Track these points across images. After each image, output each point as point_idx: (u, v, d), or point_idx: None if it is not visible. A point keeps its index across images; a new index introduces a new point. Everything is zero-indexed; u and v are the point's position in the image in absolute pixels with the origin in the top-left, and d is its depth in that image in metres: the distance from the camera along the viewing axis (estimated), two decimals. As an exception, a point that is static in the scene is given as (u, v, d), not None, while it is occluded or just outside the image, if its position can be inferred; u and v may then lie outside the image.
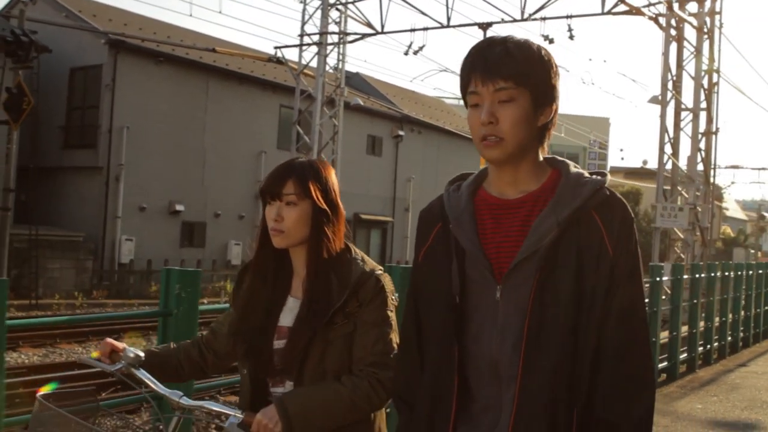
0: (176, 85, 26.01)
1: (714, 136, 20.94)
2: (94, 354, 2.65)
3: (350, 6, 25.80)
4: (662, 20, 20.51)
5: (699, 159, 20.50)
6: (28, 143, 21.66)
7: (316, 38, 25.71)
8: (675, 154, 20.68)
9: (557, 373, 1.91)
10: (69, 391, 2.49)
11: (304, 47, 25.94)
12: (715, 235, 21.78)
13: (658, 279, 10.59)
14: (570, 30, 21.97)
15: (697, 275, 12.66)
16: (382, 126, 34.69)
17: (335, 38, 26.01)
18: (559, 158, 2.12)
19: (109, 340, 2.63)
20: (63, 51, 24.14)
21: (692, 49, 20.54)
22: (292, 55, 25.96)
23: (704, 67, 20.59)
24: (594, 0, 21.81)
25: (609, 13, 21.33)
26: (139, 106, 24.88)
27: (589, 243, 1.95)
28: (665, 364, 11.22)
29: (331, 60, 26.22)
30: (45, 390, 2.46)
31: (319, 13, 25.71)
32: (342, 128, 26.70)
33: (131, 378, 2.57)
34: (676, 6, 20.30)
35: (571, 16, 21.96)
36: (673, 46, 20.62)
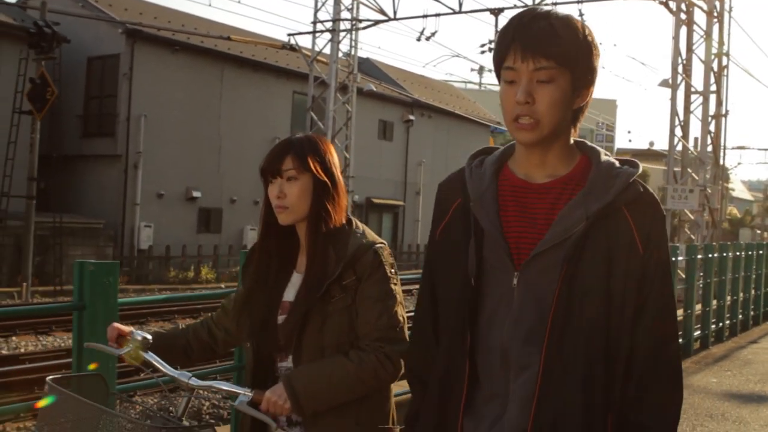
0: (192, 73, 26.38)
1: (723, 119, 21.31)
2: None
3: (362, -8, 26.13)
4: (672, 5, 20.81)
5: (708, 141, 20.86)
6: (46, 132, 22.07)
7: (329, 25, 26.06)
8: (685, 136, 21.03)
9: (584, 372, 1.86)
10: (78, 375, 2.55)
11: (317, 34, 26.30)
12: (722, 216, 22.14)
13: (673, 259, 10.99)
14: (581, 15, 22.28)
15: (710, 255, 13.05)
16: (393, 111, 35.05)
17: (348, 25, 26.34)
18: (589, 144, 2.05)
19: (116, 324, 2.63)
20: (80, 41, 24.47)
21: (702, 33, 20.84)
22: (304, 42, 26.22)
23: (714, 50, 20.93)
24: (604, -16, 22.04)
25: (619, -2, 21.62)
26: (156, 95, 25.27)
27: (618, 239, 1.89)
28: (680, 341, 11.61)
29: (344, 46, 26.62)
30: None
31: (332, 0, 26.08)
32: (355, 114, 27.06)
33: (139, 361, 2.57)
34: (685, -10, 20.59)
35: (582, 1, 22.29)
36: (683, 30, 20.92)
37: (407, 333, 2.48)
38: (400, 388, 3.10)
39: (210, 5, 35.88)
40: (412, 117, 35.56)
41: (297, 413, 2.45)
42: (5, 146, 21.19)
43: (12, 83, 21.65)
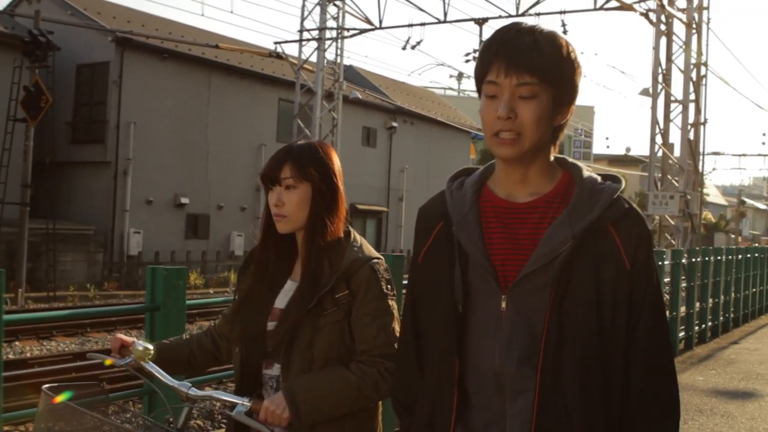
0: (180, 80, 26.71)
1: (702, 127, 21.90)
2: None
3: (348, 2, 26.56)
4: (653, 16, 21.39)
5: (688, 148, 21.45)
6: (36, 139, 22.30)
7: (315, 34, 26.45)
8: (665, 144, 21.62)
9: (583, 395, 1.84)
10: (75, 384, 2.49)
11: (303, 43, 26.69)
12: (701, 221, 22.75)
13: (660, 263, 11.50)
14: (564, 25, 22.89)
15: (693, 259, 13.59)
16: (377, 118, 35.52)
17: (334, 33, 26.75)
18: (570, 160, 2.02)
19: (119, 335, 2.64)
20: (69, 48, 24.73)
21: (681, 44, 21.44)
22: (291, 50, 26.60)
23: (693, 60, 21.54)
24: (586, -5, 22.64)
25: (601, 9, 22.26)
26: (145, 102, 25.57)
27: (605, 258, 1.86)
28: (666, 341, 12.11)
29: (330, 55, 27.03)
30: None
31: (318, 9, 26.47)
32: (340, 121, 27.48)
33: (141, 371, 2.57)
34: (665, 1, 21.20)
35: (564, 12, 22.87)
36: (663, 41, 21.51)
37: None
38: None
39: (202, 15, 36.34)
40: (395, 124, 36.05)
41: (296, 423, 2.40)
42: (17, 155, 21.41)
43: (1, 91, 21.91)
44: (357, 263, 2.46)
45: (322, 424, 2.44)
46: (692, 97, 21.52)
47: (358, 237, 2.58)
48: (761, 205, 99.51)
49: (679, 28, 21.48)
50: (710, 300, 14.48)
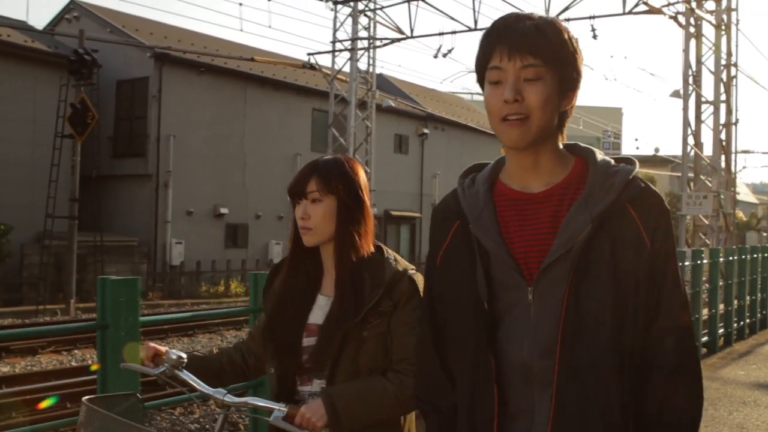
0: (217, 93, 27.33)
1: (734, 127, 22.15)
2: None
3: (379, 12, 27.05)
4: (682, 19, 21.68)
5: (720, 148, 21.71)
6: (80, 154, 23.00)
7: (347, 44, 26.97)
8: (697, 144, 21.90)
9: (597, 376, 1.82)
10: (112, 395, 2.52)
11: (336, 53, 27.21)
12: (734, 220, 23.00)
13: (699, 262, 11.85)
14: (593, 30, 23.20)
15: (730, 258, 13.90)
16: (408, 125, 35.99)
17: (366, 43, 27.25)
18: (582, 145, 2.01)
19: (152, 344, 2.65)
20: (109, 65, 25.40)
21: (711, 45, 21.72)
22: (324, 60, 27.09)
23: (722, 61, 21.80)
24: (615, 0, 22.91)
25: (630, 13, 22.52)
26: (184, 115, 26.21)
27: (624, 238, 1.84)
28: (706, 338, 12.46)
29: (362, 64, 27.52)
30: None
31: (350, 20, 26.98)
32: (374, 129, 27.96)
33: (175, 380, 2.58)
34: (694, 5, 21.49)
35: (594, 17, 23.17)
36: (692, 43, 21.80)
37: None
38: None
39: (241, 30, 37.18)
40: (426, 130, 36.51)
41: (334, 430, 2.41)
42: (47, 169, 22.11)
43: (48, 108, 22.63)
44: (397, 275, 2.51)
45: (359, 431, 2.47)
46: (723, 97, 21.78)
47: (390, 251, 2.63)
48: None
49: (708, 30, 21.79)
50: (747, 297, 14.76)
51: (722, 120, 21.75)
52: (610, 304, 1.82)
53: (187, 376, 2.54)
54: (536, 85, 1.83)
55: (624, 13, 22.63)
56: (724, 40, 21.79)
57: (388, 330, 2.50)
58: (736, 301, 14.10)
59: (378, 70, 28.69)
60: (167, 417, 6.38)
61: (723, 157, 21.92)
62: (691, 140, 21.72)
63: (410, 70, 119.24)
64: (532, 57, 1.82)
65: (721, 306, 13.43)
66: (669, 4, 21.82)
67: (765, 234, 67.79)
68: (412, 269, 2.57)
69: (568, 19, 23.41)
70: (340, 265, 2.54)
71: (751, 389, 9.63)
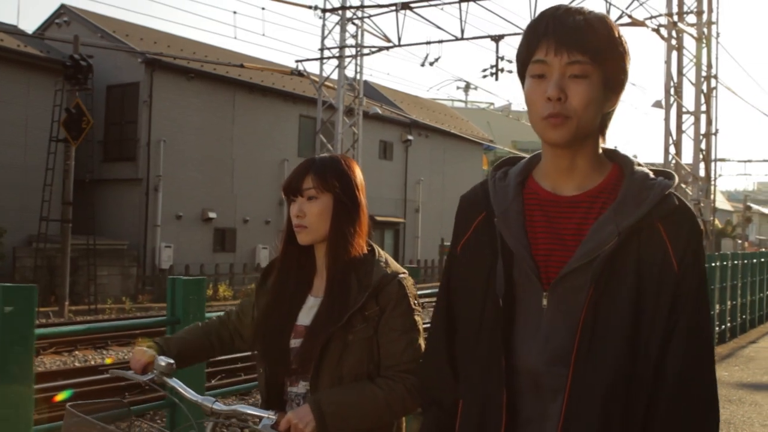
0: (206, 98, 27.66)
1: (714, 137, 22.78)
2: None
3: (367, 20, 27.49)
4: (663, 31, 22.30)
5: (700, 158, 22.34)
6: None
7: (335, 51, 27.38)
8: (678, 153, 22.50)
9: (610, 393, 1.74)
10: (98, 401, 2.48)
11: (324, 60, 27.61)
12: (714, 227, 23.64)
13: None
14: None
15: (713, 264, 14.45)
16: (393, 131, 36.47)
17: (353, 51, 27.68)
18: (621, 153, 1.93)
19: (140, 349, 2.62)
20: (100, 70, 25.54)
21: (692, 57, 22.32)
22: (311, 67, 27.51)
23: (703, 73, 22.43)
24: (600, 11, 23.48)
25: (614, 25, 23.11)
26: (174, 120, 26.52)
27: (651, 256, 1.76)
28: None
29: (349, 71, 27.95)
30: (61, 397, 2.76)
31: (338, 28, 27.39)
32: (361, 136, 28.39)
33: (164, 387, 2.56)
34: (676, 18, 22.10)
35: (578, 29, 23.71)
36: (674, 55, 22.42)
37: None
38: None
39: (235, 38, 37.42)
40: (410, 137, 37.01)
41: None
42: (39, 172, 22.34)
43: (40, 112, 22.88)
44: (386, 279, 2.46)
45: None
46: (703, 108, 22.40)
47: (383, 253, 2.58)
48: (767, 210, 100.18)
49: (689, 43, 22.38)
50: (728, 302, 15.32)
51: (702, 130, 22.36)
52: (629, 320, 1.74)
53: (176, 383, 2.51)
54: (582, 84, 1.76)
55: (608, 25, 23.20)
56: (704, 52, 22.41)
57: (374, 335, 2.45)
58: (718, 306, 14.65)
59: (366, 78, 29.12)
60: (154, 425, 6.46)
61: (703, 166, 22.55)
62: (672, 149, 22.31)
63: (398, 78, 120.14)
64: (580, 53, 1.75)
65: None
66: (651, 17, 22.44)
67: (740, 241, 68.69)
68: (403, 273, 2.52)
69: (553, 30, 23.96)
70: (333, 265, 2.50)
71: (735, 389, 10.14)
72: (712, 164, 23.44)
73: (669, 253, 1.76)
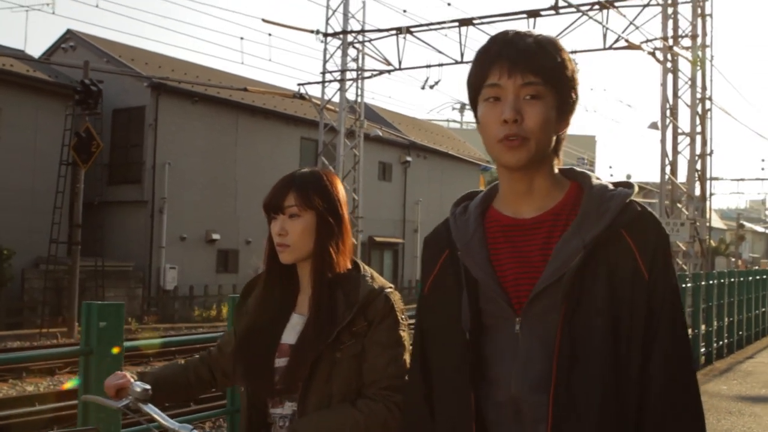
0: (210, 122, 28.15)
1: (709, 158, 23.30)
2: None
3: (367, 44, 28.03)
4: (659, 54, 22.84)
5: (696, 178, 22.85)
6: (76, 182, 23.62)
7: (336, 75, 27.90)
8: (674, 173, 23.01)
9: (598, 413, 1.71)
10: (75, 429, 2.58)
11: (326, 84, 28.11)
12: (709, 246, 24.12)
13: (684, 286, 12.82)
14: (575, 64, 24.26)
15: (711, 282, 14.89)
16: (391, 153, 37.00)
17: (354, 74, 28.20)
18: (578, 169, 1.93)
19: (116, 374, 2.55)
20: (106, 94, 26.02)
21: (687, 80, 22.86)
22: (313, 90, 28.01)
23: (698, 95, 22.96)
24: (597, 36, 24.13)
25: (610, 48, 23.71)
26: (178, 144, 26.99)
27: (620, 266, 1.74)
28: (690, 356, 13.39)
29: (350, 94, 28.45)
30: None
31: (339, 52, 27.91)
32: (362, 158, 28.87)
33: (139, 413, 2.48)
34: (671, 42, 22.66)
35: (575, 51, 24.30)
36: (669, 77, 22.95)
37: None
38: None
39: (242, 63, 37.91)
40: (409, 158, 37.53)
41: None
42: (46, 195, 22.76)
43: (48, 135, 23.32)
44: (373, 294, 2.41)
45: None
46: (698, 129, 22.92)
47: (368, 268, 2.53)
48: (759, 228, 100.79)
49: (684, 66, 22.94)
50: (726, 319, 15.75)
51: (698, 150, 22.87)
52: (606, 334, 1.72)
53: (151, 409, 2.43)
54: (536, 105, 1.76)
55: (605, 48, 23.79)
56: (699, 75, 22.96)
57: (362, 351, 2.39)
58: (715, 323, 15.08)
59: (367, 100, 29.63)
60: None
61: (698, 186, 23.04)
62: (667, 169, 22.81)
63: (398, 101, 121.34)
64: (533, 75, 1.75)
65: (703, 327, 14.41)
66: (647, 41, 22.99)
67: (733, 259, 69.11)
68: (390, 287, 2.47)
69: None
70: (317, 283, 2.43)
71: (734, 401, 10.55)
72: (710, 184, 24.02)
73: (638, 261, 1.75)
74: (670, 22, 22.70)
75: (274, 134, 30.62)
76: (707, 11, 22.97)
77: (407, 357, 2.39)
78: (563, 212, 1.83)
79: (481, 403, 1.80)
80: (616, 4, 23.47)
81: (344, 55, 27.85)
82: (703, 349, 14.18)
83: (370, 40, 27.93)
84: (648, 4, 23.02)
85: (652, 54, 22.96)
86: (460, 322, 1.82)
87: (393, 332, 2.41)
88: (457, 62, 26.42)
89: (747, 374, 13.13)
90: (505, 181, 1.88)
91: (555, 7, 24.03)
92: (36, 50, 44.13)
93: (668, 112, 22.67)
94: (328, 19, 27.87)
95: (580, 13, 23.81)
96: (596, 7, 23.63)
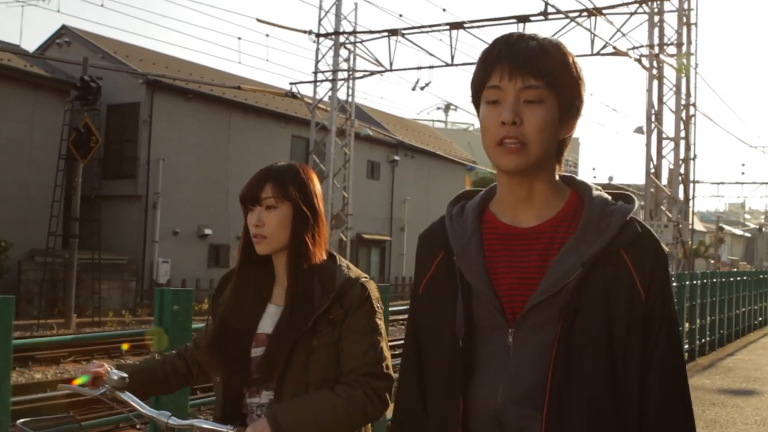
0: (203, 119, 28.53)
1: (692, 162, 23.98)
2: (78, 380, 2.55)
3: (359, 45, 28.50)
4: (645, 61, 23.50)
5: (680, 181, 23.51)
6: (70, 176, 23.96)
7: (328, 75, 28.37)
8: (658, 177, 23.66)
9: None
10: (50, 417, 2.41)
11: (317, 83, 28.58)
12: (692, 248, 24.84)
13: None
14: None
15: (695, 282, 15.53)
16: (380, 152, 37.52)
17: (346, 74, 28.68)
18: (578, 179, 1.90)
19: (93, 363, 2.58)
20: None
21: (672, 86, 23.53)
22: (305, 90, 28.49)
23: (682, 101, 23.63)
24: (585, 42, 24.78)
25: (598, 54, 24.34)
26: (172, 140, 27.36)
27: (617, 286, 1.73)
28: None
29: (341, 94, 28.93)
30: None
31: (331, 52, 28.38)
32: (352, 156, 29.37)
33: (116, 401, 2.49)
34: (657, 49, 23.31)
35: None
36: (655, 84, 23.61)
37: (392, 368, 2.47)
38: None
39: (240, 62, 38.40)
40: (397, 157, 38.07)
41: None
42: (41, 188, 23.12)
43: (44, 129, 23.68)
44: (349, 282, 2.44)
45: None
46: (682, 134, 23.59)
47: (343, 259, 2.56)
48: (738, 231, 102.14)
49: (669, 73, 23.60)
50: (708, 317, 16.40)
51: (681, 155, 23.54)
52: (602, 354, 1.71)
53: (129, 397, 2.45)
54: (536, 109, 1.73)
55: (592, 54, 24.41)
56: (684, 82, 23.63)
57: (339, 339, 2.42)
58: (698, 321, 15.71)
59: (359, 100, 30.12)
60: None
61: (682, 189, 23.71)
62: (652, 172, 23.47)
63: (389, 101, 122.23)
64: (534, 78, 1.72)
65: (687, 325, 15.03)
66: (634, 48, 23.65)
67: (712, 261, 70.03)
68: (365, 277, 2.52)
69: (539, 58, 25.05)
70: (293, 274, 2.47)
71: (717, 394, 11.16)
72: (694, 187, 24.71)
73: (635, 281, 1.73)
74: (656, 30, 23.36)
75: (265, 132, 31.05)
76: (692, 20, 23.64)
77: (384, 344, 2.46)
78: (562, 224, 1.80)
79: (469, 409, 1.78)
80: (604, 11, 24.11)
81: (336, 55, 28.31)
82: (687, 346, 14.80)
83: (361, 41, 28.41)
84: (635, 13, 23.68)
85: (639, 61, 23.61)
86: (453, 326, 1.80)
87: (370, 320, 2.44)
88: (447, 65, 26.96)
89: (728, 370, 13.77)
90: (504, 186, 1.84)
91: (544, 13, 24.63)
92: (30, 45, 44.36)
93: (653, 118, 23.32)
94: (320, 19, 28.35)
95: (569, 20, 24.41)
96: (584, 14, 24.26)
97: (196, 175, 28.18)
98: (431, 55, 27.10)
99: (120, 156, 27.58)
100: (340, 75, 28.55)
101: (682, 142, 23.57)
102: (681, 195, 23.66)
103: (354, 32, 28.29)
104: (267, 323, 2.49)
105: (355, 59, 28.66)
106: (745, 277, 21.07)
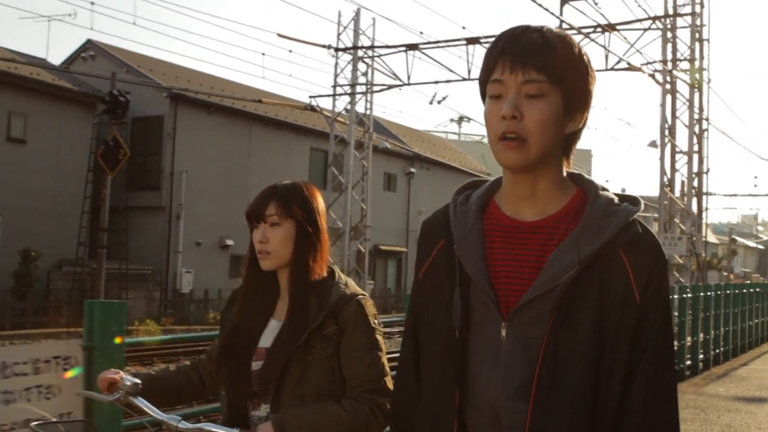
0: (225, 131, 29.24)
1: (705, 176, 24.44)
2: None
3: (377, 60, 29.06)
4: (659, 76, 23.96)
5: (693, 194, 23.98)
6: (98, 187, 24.58)
7: (347, 88, 28.94)
8: (671, 190, 24.12)
9: (576, 429, 1.67)
10: (64, 421, 2.42)
11: (336, 97, 29.16)
12: (705, 260, 25.26)
13: (684, 296, 13.93)
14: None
15: (709, 293, 16.00)
16: (396, 164, 38.14)
17: (364, 88, 29.25)
18: (587, 177, 1.84)
19: (108, 371, 2.62)
20: (125, 103, 27.21)
21: (685, 101, 24.00)
22: (324, 103, 29.08)
23: (695, 116, 24.10)
24: (599, 57, 25.25)
25: (612, 69, 24.82)
26: (195, 152, 28.04)
27: (612, 286, 1.69)
28: (689, 362, 14.49)
29: (360, 107, 29.50)
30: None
31: (350, 66, 28.96)
32: (371, 169, 29.92)
33: (129, 406, 2.56)
34: (670, 65, 23.81)
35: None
36: (668, 98, 24.08)
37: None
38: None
39: (264, 77, 38.72)
40: (413, 169, 38.66)
41: None
42: (68, 199, 23.75)
43: (71, 141, 24.32)
44: (344, 299, 2.49)
45: None
46: (696, 148, 24.06)
47: (343, 275, 2.62)
48: (751, 243, 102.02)
49: (682, 87, 24.09)
50: (722, 328, 16.85)
51: (695, 169, 24.00)
52: (591, 353, 1.68)
53: (141, 402, 2.51)
54: (537, 103, 1.69)
55: (606, 69, 24.90)
56: (696, 97, 24.11)
57: (334, 355, 2.47)
58: (713, 332, 16.15)
59: (377, 114, 30.70)
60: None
61: (695, 202, 24.18)
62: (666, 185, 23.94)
63: (406, 115, 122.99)
64: (535, 72, 1.68)
65: (702, 335, 15.49)
66: (647, 63, 24.11)
67: (725, 273, 70.04)
68: (362, 294, 2.56)
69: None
70: (294, 289, 2.54)
71: (732, 401, 11.63)
72: (707, 201, 25.17)
73: (631, 283, 1.70)
74: (670, 46, 23.85)
75: (285, 144, 31.69)
76: (705, 36, 24.15)
77: (384, 359, 2.51)
78: (564, 220, 1.76)
79: (464, 402, 1.77)
80: (618, 27, 24.61)
81: (354, 69, 28.89)
82: (701, 356, 15.26)
83: (379, 56, 28.94)
84: (648, 29, 24.14)
85: (652, 76, 24.07)
86: (450, 316, 1.78)
87: (368, 337, 2.50)
88: (464, 79, 27.47)
89: (742, 379, 14.22)
90: (507, 181, 1.81)
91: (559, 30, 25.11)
92: (55, 59, 45.21)
93: (667, 132, 23.78)
94: (339, 34, 28.95)
95: (583, 36, 24.91)
96: (599, 29, 24.73)
97: (218, 186, 28.82)
98: (449, 69, 27.63)
99: (144, 168, 28.24)
100: (359, 89, 29.13)
101: (695, 156, 24.03)
102: (694, 208, 24.14)
103: (372, 47, 28.85)
104: (268, 337, 2.56)
105: (373, 73, 29.22)
106: (758, 289, 21.46)
